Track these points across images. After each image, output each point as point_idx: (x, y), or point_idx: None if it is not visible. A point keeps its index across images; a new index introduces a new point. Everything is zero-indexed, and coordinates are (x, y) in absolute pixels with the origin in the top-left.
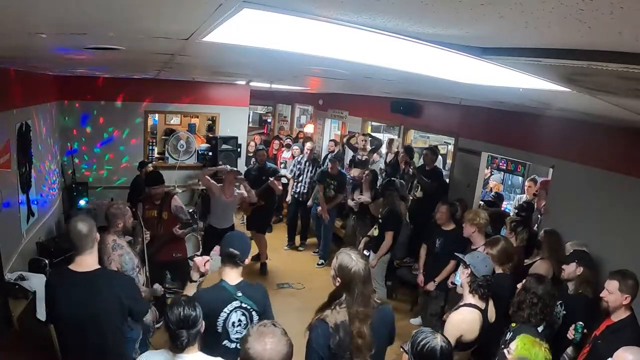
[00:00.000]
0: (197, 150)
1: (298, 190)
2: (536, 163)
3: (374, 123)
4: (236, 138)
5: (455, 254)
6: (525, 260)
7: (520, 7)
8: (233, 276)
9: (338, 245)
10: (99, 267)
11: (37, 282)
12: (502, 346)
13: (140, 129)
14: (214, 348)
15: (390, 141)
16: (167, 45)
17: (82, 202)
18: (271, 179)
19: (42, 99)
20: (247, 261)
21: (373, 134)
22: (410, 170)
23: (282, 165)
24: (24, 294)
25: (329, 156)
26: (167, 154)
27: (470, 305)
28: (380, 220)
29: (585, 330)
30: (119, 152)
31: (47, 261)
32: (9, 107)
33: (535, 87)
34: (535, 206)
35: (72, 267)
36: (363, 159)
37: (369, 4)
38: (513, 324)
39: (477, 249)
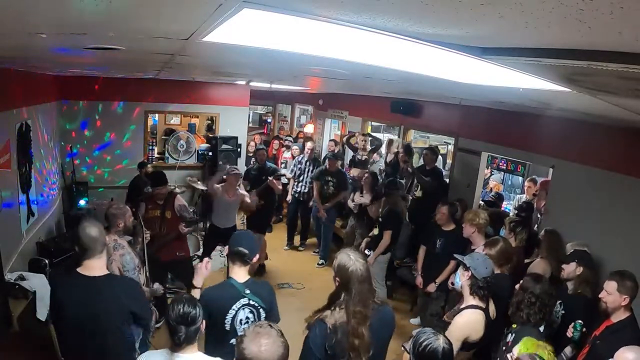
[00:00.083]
0: (197, 150)
1: (299, 189)
2: (536, 163)
3: (374, 123)
4: (236, 138)
5: (455, 255)
6: (525, 260)
7: (520, 7)
8: (241, 274)
9: (338, 245)
10: (108, 272)
11: (37, 282)
12: (504, 348)
13: (140, 133)
14: (222, 346)
15: (390, 141)
16: (167, 45)
17: (82, 202)
18: (270, 178)
19: (42, 99)
20: (254, 260)
21: (373, 134)
22: (410, 169)
23: (283, 165)
24: (24, 294)
25: (328, 154)
26: (167, 154)
27: (472, 306)
28: (380, 220)
29: (584, 329)
30: (119, 155)
31: (47, 261)
32: (9, 107)
33: (535, 87)
34: (535, 206)
35: (80, 270)
36: (363, 159)
37: (369, 4)
38: (514, 325)
39: (476, 249)
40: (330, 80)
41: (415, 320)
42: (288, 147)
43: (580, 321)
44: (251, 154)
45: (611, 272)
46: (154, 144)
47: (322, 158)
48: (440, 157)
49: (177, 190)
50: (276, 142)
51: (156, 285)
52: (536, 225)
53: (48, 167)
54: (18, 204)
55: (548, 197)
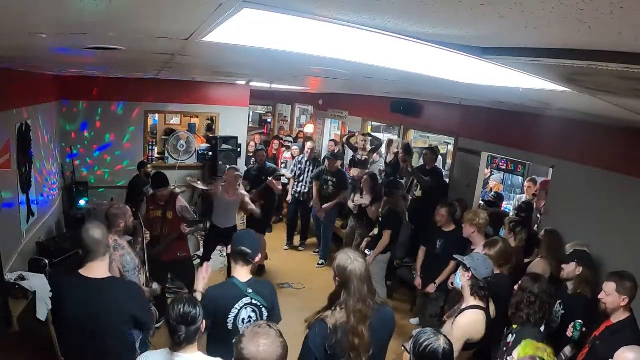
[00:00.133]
0: (197, 150)
1: (299, 189)
2: (536, 163)
3: (374, 123)
4: (236, 138)
5: (455, 256)
6: (525, 260)
7: (520, 7)
8: (243, 274)
9: (338, 246)
10: (110, 275)
11: (37, 282)
12: (505, 349)
13: (140, 133)
14: (224, 345)
15: (390, 142)
16: (167, 45)
17: (82, 202)
18: (270, 178)
19: (42, 99)
20: (257, 259)
21: (373, 134)
22: (409, 169)
23: (283, 165)
24: (24, 294)
25: (327, 154)
26: (167, 154)
27: (474, 307)
28: (380, 219)
29: (584, 329)
30: (120, 156)
31: (47, 261)
32: (9, 107)
33: (535, 87)
34: (535, 206)
35: (82, 271)
36: (363, 159)
37: (369, 4)
38: (514, 326)
39: (476, 249)
40: (330, 80)
41: (415, 321)
42: (288, 147)
43: (580, 321)
44: (251, 154)
45: (610, 273)
46: (154, 144)
47: (322, 158)
48: (440, 157)
49: (178, 190)
50: (276, 142)
51: (154, 286)
52: (536, 226)
53: (48, 167)
54: (18, 204)
55: (548, 197)
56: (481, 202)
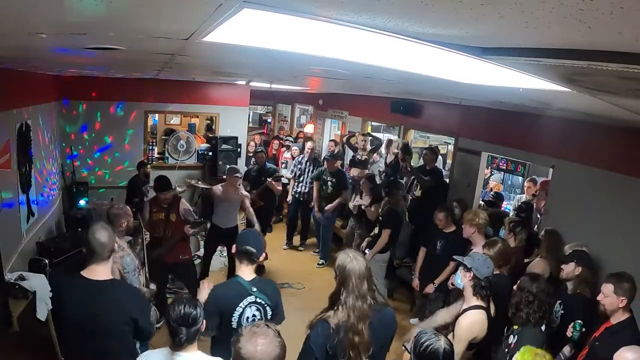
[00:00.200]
0: (197, 150)
1: (299, 190)
2: (536, 163)
3: (374, 123)
4: (236, 138)
5: (455, 257)
6: (525, 260)
7: (520, 7)
8: (248, 272)
9: (338, 246)
10: (112, 278)
11: (37, 282)
12: (506, 350)
13: (140, 134)
14: (228, 343)
15: (390, 141)
16: (167, 45)
17: (82, 202)
18: (269, 179)
19: (42, 99)
20: (261, 258)
21: (374, 134)
22: (408, 168)
23: (283, 166)
24: (24, 294)
25: (326, 155)
26: (167, 154)
27: (475, 307)
28: (380, 218)
29: (583, 330)
30: (120, 157)
31: (47, 261)
32: (9, 107)
33: (535, 87)
34: (535, 206)
35: (84, 273)
36: (363, 159)
37: (369, 4)
38: (515, 327)
39: (476, 249)
40: (330, 80)
41: (415, 320)
42: (288, 147)
43: (579, 321)
44: (251, 154)
45: (608, 275)
46: (154, 144)
47: (322, 159)
48: (440, 157)
49: (179, 189)
50: (276, 142)
51: (152, 286)
52: (536, 226)
53: (48, 167)
54: (18, 204)
55: (548, 197)
56: (481, 202)
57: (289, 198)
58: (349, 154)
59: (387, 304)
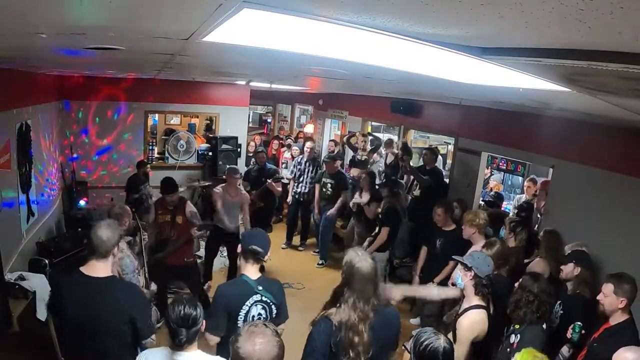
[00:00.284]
0: (197, 150)
1: (299, 190)
2: (536, 163)
3: (374, 123)
4: (236, 138)
5: (454, 257)
6: (525, 260)
7: (520, 7)
8: (253, 271)
9: (338, 245)
10: (111, 275)
11: (37, 282)
12: (508, 349)
13: (140, 134)
14: None
15: (389, 142)
16: (167, 45)
17: (82, 202)
18: (269, 181)
19: (42, 99)
20: (266, 257)
21: (374, 134)
22: (407, 167)
23: (284, 166)
24: (24, 294)
25: (324, 157)
26: (167, 154)
27: (476, 306)
28: (380, 217)
29: (583, 331)
30: (120, 158)
31: (47, 261)
32: (9, 107)
33: (535, 87)
34: (535, 206)
35: (83, 269)
36: (363, 159)
37: (369, 4)
38: (517, 326)
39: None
40: (330, 80)
41: (415, 320)
42: (289, 146)
43: (579, 323)
44: (251, 154)
45: (609, 275)
46: (154, 144)
47: (322, 160)
48: (440, 157)
49: (181, 188)
50: (276, 142)
51: (152, 287)
52: (536, 226)
53: (48, 167)
54: (18, 204)
55: (548, 197)
56: (481, 202)
57: (289, 199)
58: (349, 154)
59: (390, 303)
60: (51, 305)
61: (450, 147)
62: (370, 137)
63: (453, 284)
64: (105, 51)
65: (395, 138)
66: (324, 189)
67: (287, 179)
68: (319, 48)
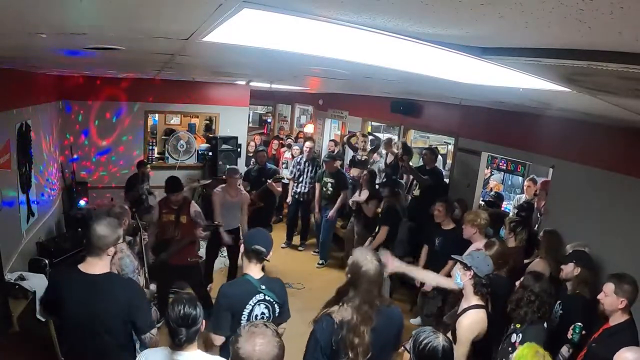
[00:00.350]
0: (197, 150)
1: (298, 190)
2: (536, 163)
3: (374, 123)
4: (236, 138)
5: (454, 256)
6: (525, 260)
7: (520, 7)
8: (256, 271)
9: (338, 245)
10: (109, 271)
11: (37, 282)
12: (510, 349)
13: (140, 134)
14: None
15: (389, 141)
16: (167, 45)
17: (82, 202)
18: (269, 181)
19: (42, 99)
20: (269, 257)
21: (375, 134)
22: (406, 166)
23: (284, 166)
24: (24, 294)
25: (324, 157)
26: (167, 154)
27: (476, 306)
28: (379, 216)
29: (583, 332)
30: (120, 158)
31: (47, 261)
32: (9, 107)
33: (535, 87)
34: (535, 206)
35: (81, 267)
36: (363, 159)
37: (369, 4)
38: (518, 325)
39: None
40: (330, 80)
41: (415, 320)
42: (290, 146)
43: (579, 323)
44: (251, 154)
45: (610, 274)
46: (154, 144)
47: (322, 160)
48: (440, 157)
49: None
50: (276, 142)
51: (152, 287)
52: (536, 225)
53: (48, 168)
54: (18, 204)
55: (548, 197)
56: (481, 202)
57: (289, 199)
58: (349, 154)
59: (393, 302)
60: (46, 301)
61: (450, 147)
62: (370, 137)
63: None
64: (105, 51)
65: (395, 138)
66: (324, 188)
67: (287, 179)
68: (319, 48)
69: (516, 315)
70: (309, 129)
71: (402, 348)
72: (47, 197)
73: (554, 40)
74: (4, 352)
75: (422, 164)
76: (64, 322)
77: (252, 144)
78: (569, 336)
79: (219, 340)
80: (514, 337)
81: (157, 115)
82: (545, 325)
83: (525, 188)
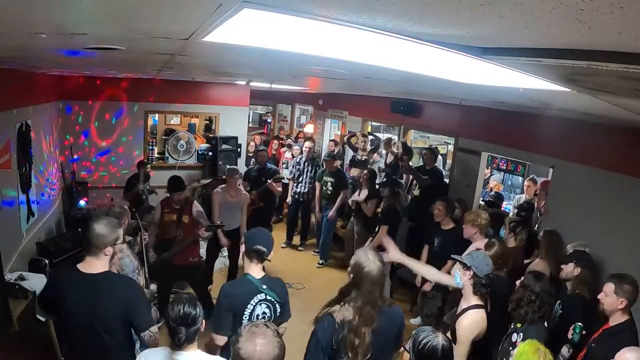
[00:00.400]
0: (197, 150)
1: (298, 190)
2: (536, 163)
3: (374, 123)
4: (236, 138)
5: (453, 256)
6: (525, 260)
7: (520, 7)
8: (257, 271)
9: (338, 245)
10: (107, 270)
11: (37, 282)
12: (511, 348)
13: (140, 134)
14: None
15: (388, 141)
16: (167, 45)
17: (82, 202)
18: (269, 181)
19: (42, 99)
20: (270, 256)
21: (375, 133)
22: (406, 166)
23: (284, 166)
24: (24, 294)
25: (324, 156)
26: (167, 154)
27: (475, 306)
28: (379, 216)
29: (584, 332)
30: (120, 159)
31: (47, 261)
32: (9, 107)
33: (535, 87)
34: (535, 206)
35: (79, 266)
36: (363, 159)
37: (369, 4)
38: (518, 324)
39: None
40: (330, 80)
41: (415, 320)
42: (290, 146)
43: (580, 323)
44: (251, 154)
45: (611, 274)
46: (154, 144)
47: (322, 159)
48: (440, 157)
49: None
50: (276, 142)
51: (152, 287)
52: (536, 226)
53: (48, 167)
54: (18, 204)
55: (548, 197)
56: (481, 202)
57: (289, 199)
58: (349, 154)
59: (394, 302)
60: (43, 300)
61: (450, 147)
62: (370, 137)
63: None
64: (105, 51)
65: (395, 138)
66: (324, 188)
67: (287, 179)
68: (319, 48)
69: (517, 315)
70: (309, 129)
71: (402, 349)
72: (47, 197)
73: (554, 40)
74: (4, 352)
75: (422, 164)
76: (64, 322)
77: (252, 144)
78: (569, 336)
79: (221, 340)
80: (514, 337)
81: (157, 115)
82: (545, 324)
83: (525, 188)
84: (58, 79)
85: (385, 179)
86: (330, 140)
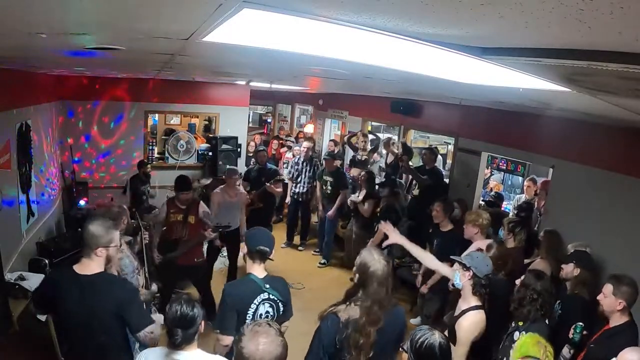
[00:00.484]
0: (197, 150)
1: (297, 190)
2: (536, 163)
3: (374, 123)
4: (236, 138)
5: (452, 257)
6: (525, 260)
7: (520, 7)
8: (260, 270)
9: (339, 245)
10: (101, 271)
11: (37, 282)
12: (512, 346)
13: (140, 135)
14: None
15: (388, 141)
16: (167, 45)
17: (82, 202)
18: (268, 183)
19: (42, 99)
20: (272, 255)
21: (375, 133)
22: (405, 166)
23: (285, 166)
24: (24, 294)
25: (324, 155)
26: (167, 154)
27: (475, 307)
28: (378, 216)
29: (584, 332)
30: (120, 159)
31: (47, 261)
32: (9, 107)
33: (535, 87)
34: (535, 206)
35: (75, 267)
36: (363, 159)
37: (369, 4)
38: (520, 323)
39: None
40: (330, 80)
41: (415, 320)
42: (290, 147)
43: (581, 324)
44: (251, 154)
45: (610, 275)
46: (154, 144)
47: (322, 158)
48: (440, 157)
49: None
50: (275, 142)
51: (153, 287)
52: (536, 226)
53: (49, 168)
54: (18, 204)
55: (548, 197)
56: (481, 202)
57: (288, 199)
58: (349, 154)
59: (397, 303)
60: (38, 297)
61: (450, 147)
62: (371, 136)
63: (453, 285)
64: (105, 51)
65: (395, 138)
66: (324, 187)
67: (287, 180)
68: (319, 48)
69: (519, 314)
70: (309, 129)
71: (401, 349)
72: (47, 197)
73: (554, 40)
74: (4, 352)
75: (422, 164)
76: (64, 322)
77: (252, 144)
78: (570, 335)
79: (227, 340)
80: (516, 335)
81: (157, 115)
82: (547, 322)
83: (525, 188)
84: (58, 79)
85: (385, 179)
86: (330, 140)
